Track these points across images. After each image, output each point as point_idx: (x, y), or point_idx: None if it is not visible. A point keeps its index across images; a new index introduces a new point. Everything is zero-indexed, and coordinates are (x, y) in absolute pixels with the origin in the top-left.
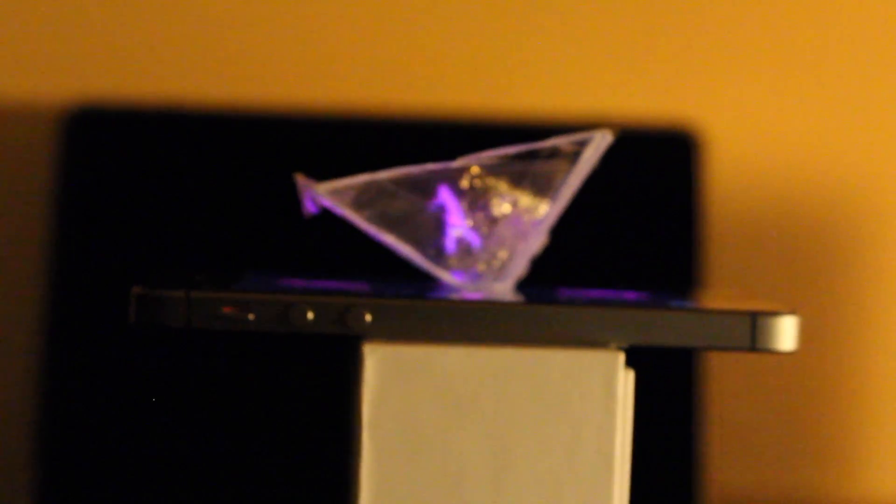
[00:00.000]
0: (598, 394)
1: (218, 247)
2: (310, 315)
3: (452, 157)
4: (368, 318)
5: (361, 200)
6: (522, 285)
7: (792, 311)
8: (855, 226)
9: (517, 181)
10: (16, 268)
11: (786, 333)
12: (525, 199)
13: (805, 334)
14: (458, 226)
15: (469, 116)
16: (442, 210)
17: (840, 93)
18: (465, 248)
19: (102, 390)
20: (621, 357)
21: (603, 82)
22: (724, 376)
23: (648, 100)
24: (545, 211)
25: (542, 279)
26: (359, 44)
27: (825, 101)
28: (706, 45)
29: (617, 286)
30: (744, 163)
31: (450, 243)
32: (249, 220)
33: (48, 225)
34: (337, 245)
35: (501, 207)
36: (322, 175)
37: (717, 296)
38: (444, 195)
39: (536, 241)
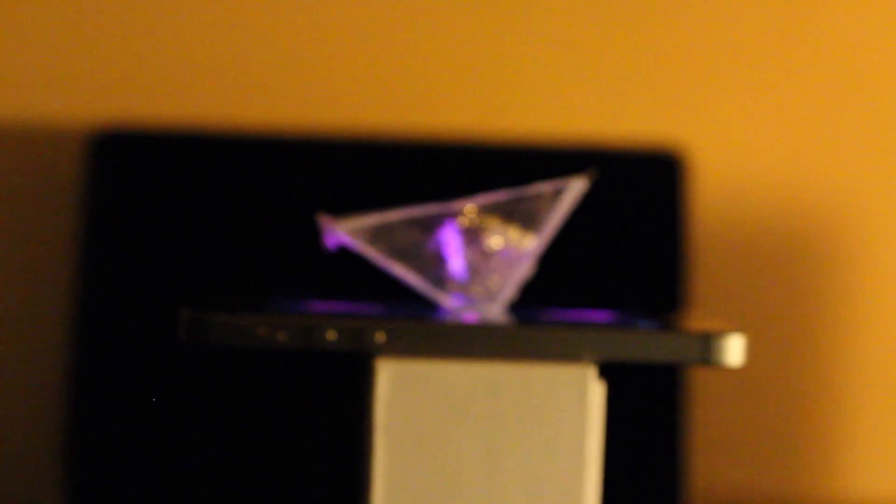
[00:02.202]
0: (573, 402)
1: (237, 267)
2: (332, 335)
3: (450, 175)
4: (382, 337)
5: (374, 236)
6: (513, 308)
7: (739, 331)
8: (837, 241)
9: (507, 218)
10: (44, 281)
11: (733, 351)
12: (514, 234)
13: (788, 343)
14: (457, 258)
15: (465, 138)
16: (443, 245)
17: (822, 114)
18: (462, 276)
19: (125, 399)
20: (593, 370)
21: (590, 105)
22: (707, 381)
23: (634, 122)
24: (532, 243)
25: (533, 300)
26: (374, 71)
27: (808, 122)
28: (690, 68)
29: (604, 306)
30: (727, 183)
31: (449, 272)
32: (266, 242)
33: (75, 242)
34: (343, 268)
35: (494, 241)
36: (337, 194)
37: (684, 316)
38: (448, 233)
39: (525, 270)
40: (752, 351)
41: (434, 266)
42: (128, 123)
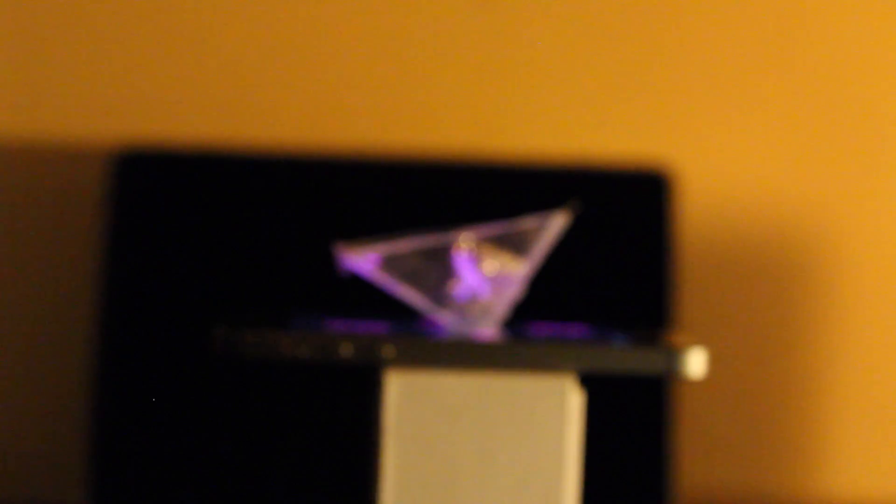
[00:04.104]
0: (554, 408)
1: (250, 284)
2: (348, 350)
3: (444, 193)
4: (392, 351)
5: (384, 263)
6: (506, 325)
7: (700, 346)
8: (820, 257)
9: (500, 246)
10: (70, 290)
11: (694, 364)
12: (506, 260)
13: (774, 352)
14: (472, 276)
15: (457, 158)
16: (458, 267)
17: (807, 133)
18: (461, 297)
19: (147, 402)
20: (572, 380)
21: (579, 125)
22: (694, 386)
23: (623, 142)
24: (522, 269)
25: (527, 317)
26: (374, 93)
27: (794, 141)
28: (678, 88)
29: (594, 322)
30: (715, 201)
31: (450, 294)
32: (278, 260)
33: (98, 259)
34: (352, 288)
35: (488, 267)
36: (340, 211)
37: (661, 332)
38: (461, 260)
39: (516, 291)
40: (740, 358)
41: (436, 288)
42: (150, 144)
